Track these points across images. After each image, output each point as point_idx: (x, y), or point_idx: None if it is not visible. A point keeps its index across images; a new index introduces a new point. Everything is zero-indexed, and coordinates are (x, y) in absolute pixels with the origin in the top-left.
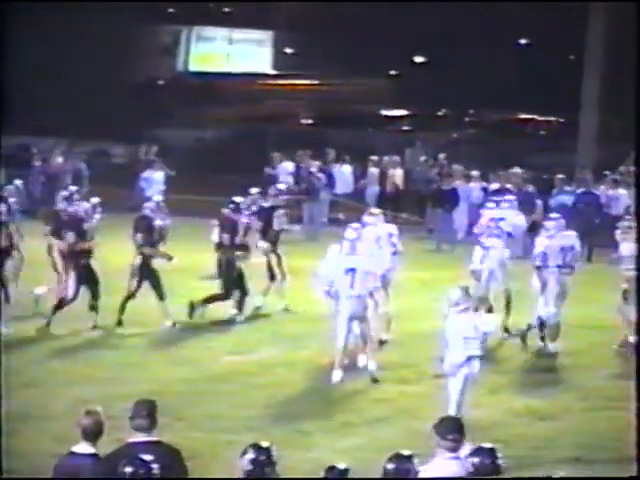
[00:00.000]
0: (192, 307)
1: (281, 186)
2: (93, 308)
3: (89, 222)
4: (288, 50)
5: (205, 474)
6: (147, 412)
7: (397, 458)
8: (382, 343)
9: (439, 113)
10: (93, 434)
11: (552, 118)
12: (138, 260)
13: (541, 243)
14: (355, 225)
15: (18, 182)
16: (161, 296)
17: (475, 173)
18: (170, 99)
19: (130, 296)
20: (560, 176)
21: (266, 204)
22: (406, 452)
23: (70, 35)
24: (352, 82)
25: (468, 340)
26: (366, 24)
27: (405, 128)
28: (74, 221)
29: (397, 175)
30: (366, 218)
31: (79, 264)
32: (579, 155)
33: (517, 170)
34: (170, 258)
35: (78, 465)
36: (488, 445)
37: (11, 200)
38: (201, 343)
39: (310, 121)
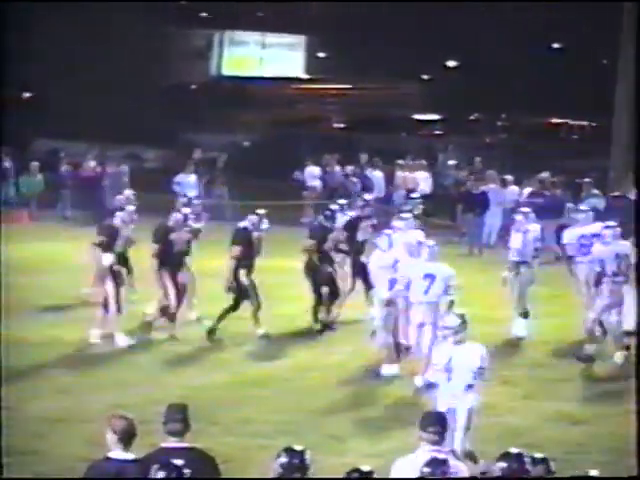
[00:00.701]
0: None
1: (367, 196)
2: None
3: (178, 231)
4: (320, 54)
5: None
6: (182, 416)
7: (433, 462)
8: (408, 349)
9: (471, 117)
10: (127, 438)
11: (585, 122)
12: (241, 273)
13: (597, 250)
14: (387, 231)
15: (129, 191)
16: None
17: (509, 177)
18: (203, 103)
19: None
20: (587, 180)
21: (352, 214)
22: (441, 456)
23: (103, 39)
24: (384, 86)
25: (466, 372)
26: (399, 28)
27: (438, 132)
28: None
29: (420, 178)
30: (395, 223)
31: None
32: (612, 159)
33: (544, 175)
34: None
35: (121, 472)
36: (516, 450)
37: (129, 209)
38: (235, 347)
39: (342, 125)
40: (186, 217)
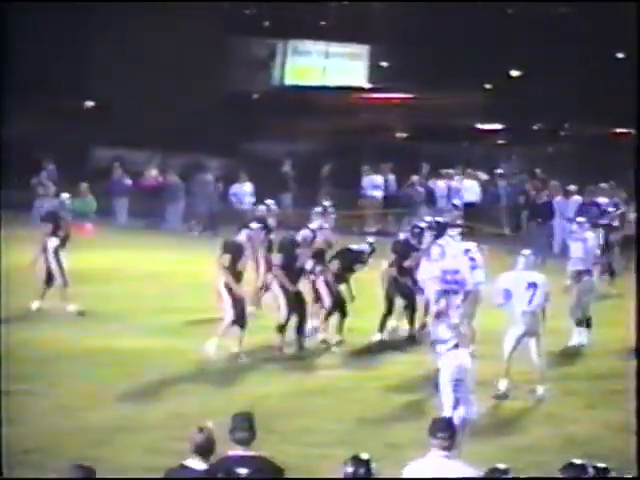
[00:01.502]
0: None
1: (456, 202)
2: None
3: (304, 247)
4: (383, 64)
5: None
6: (248, 425)
7: (493, 472)
8: None
9: (534, 127)
10: (205, 450)
11: None
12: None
13: None
14: (441, 241)
15: (270, 201)
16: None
17: (572, 188)
18: (265, 112)
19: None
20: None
21: (441, 219)
22: (502, 466)
23: (166, 47)
24: (447, 95)
25: (456, 382)
26: (461, 37)
27: (500, 142)
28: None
29: (466, 187)
30: (450, 232)
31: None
32: None
33: (604, 185)
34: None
35: None
36: (579, 461)
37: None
38: (296, 357)
39: (405, 134)
40: (314, 234)
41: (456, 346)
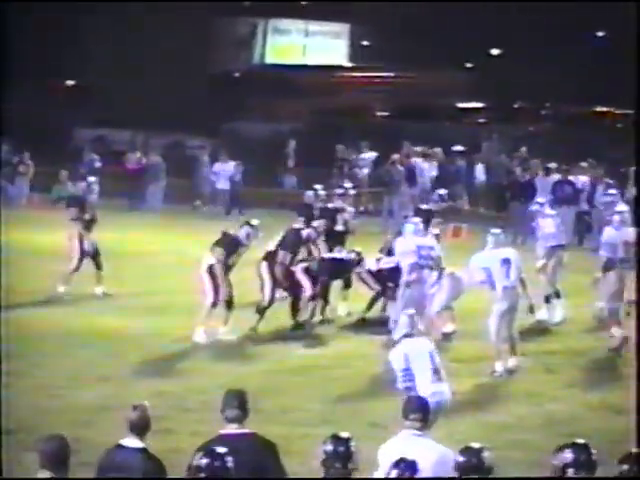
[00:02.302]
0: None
1: (442, 191)
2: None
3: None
4: (364, 42)
5: None
6: (238, 403)
7: (468, 451)
8: (446, 335)
9: (515, 106)
10: (140, 428)
11: (630, 111)
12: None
13: (608, 235)
14: (415, 219)
15: (318, 186)
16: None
17: (552, 165)
18: (246, 91)
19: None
20: (633, 169)
21: (425, 207)
22: (476, 445)
23: (148, 26)
24: (428, 74)
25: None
26: (442, 16)
27: (481, 121)
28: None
29: (426, 168)
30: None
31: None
32: None
33: (583, 164)
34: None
35: (128, 459)
36: (581, 441)
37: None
38: (277, 337)
39: (386, 114)
40: (318, 233)
41: (406, 336)
